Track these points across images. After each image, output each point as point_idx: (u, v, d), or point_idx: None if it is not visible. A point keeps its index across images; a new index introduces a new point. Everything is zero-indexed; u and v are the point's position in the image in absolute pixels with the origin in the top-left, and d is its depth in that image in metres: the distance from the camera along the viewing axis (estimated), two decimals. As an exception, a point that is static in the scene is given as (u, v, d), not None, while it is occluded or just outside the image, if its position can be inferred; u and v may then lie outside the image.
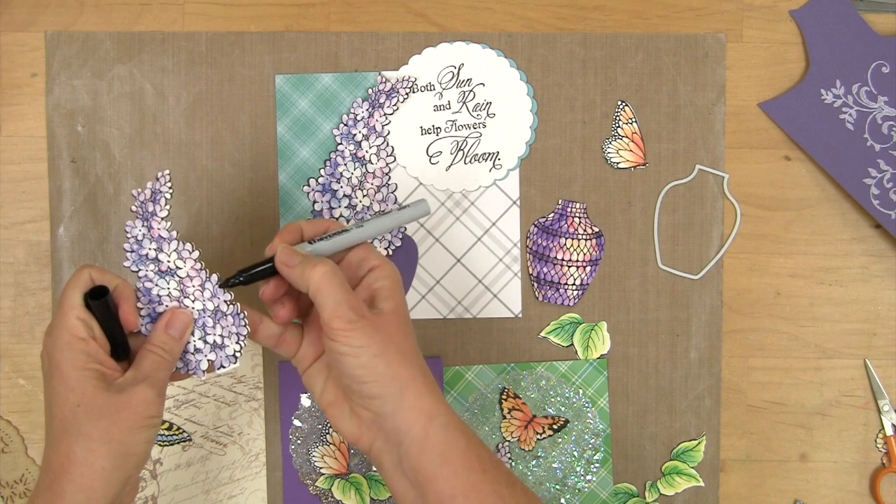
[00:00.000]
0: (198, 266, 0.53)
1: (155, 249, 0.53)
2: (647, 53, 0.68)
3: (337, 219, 0.67)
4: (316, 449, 0.68)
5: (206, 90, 0.67)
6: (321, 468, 0.68)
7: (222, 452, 0.68)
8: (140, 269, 0.53)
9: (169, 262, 0.53)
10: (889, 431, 0.69)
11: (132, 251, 0.53)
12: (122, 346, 0.51)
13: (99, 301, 0.49)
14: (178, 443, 0.67)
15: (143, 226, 0.53)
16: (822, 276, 0.70)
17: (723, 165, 0.69)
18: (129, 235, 0.53)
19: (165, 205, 0.53)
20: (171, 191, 0.54)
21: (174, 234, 0.53)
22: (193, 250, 0.53)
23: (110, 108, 0.67)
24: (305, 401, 0.68)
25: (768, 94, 0.69)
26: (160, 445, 0.67)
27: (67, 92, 0.67)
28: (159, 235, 0.53)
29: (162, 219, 0.53)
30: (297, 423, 0.68)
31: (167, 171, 0.54)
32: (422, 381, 0.48)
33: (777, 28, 0.69)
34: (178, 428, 0.67)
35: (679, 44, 0.68)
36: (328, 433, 0.68)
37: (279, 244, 0.51)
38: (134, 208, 0.53)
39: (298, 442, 0.68)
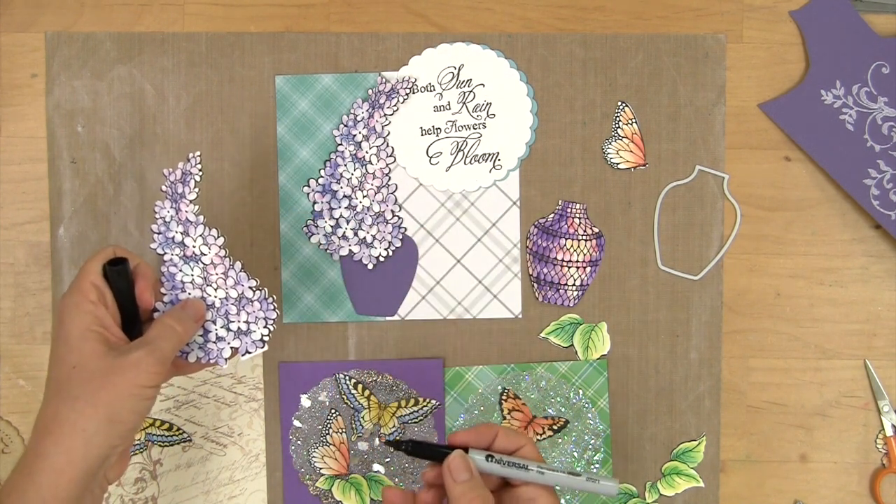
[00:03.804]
0: (222, 253, 0.53)
1: (181, 233, 0.53)
2: (647, 54, 0.68)
3: (337, 220, 0.67)
4: (316, 449, 0.68)
5: (206, 91, 0.67)
6: (321, 469, 0.68)
7: (222, 453, 0.68)
8: (166, 253, 0.53)
9: (194, 246, 0.53)
10: (889, 432, 0.69)
11: (159, 233, 0.53)
12: (135, 324, 0.51)
13: (116, 268, 0.49)
14: (179, 443, 0.67)
15: (171, 207, 0.53)
16: (822, 276, 0.70)
17: (723, 166, 0.69)
18: (157, 216, 0.53)
19: (195, 187, 0.53)
20: (200, 173, 0.54)
21: (201, 217, 0.53)
22: (219, 236, 0.53)
23: (110, 108, 0.67)
24: (305, 401, 0.68)
25: (768, 95, 0.69)
26: (160, 446, 0.67)
27: (67, 92, 0.67)
28: (186, 218, 0.53)
29: (191, 201, 0.53)
30: (297, 423, 0.68)
31: (198, 153, 0.54)
32: None
33: (777, 28, 0.69)
34: (179, 429, 0.67)
35: (679, 44, 0.68)
36: (328, 434, 0.68)
37: (459, 450, 0.49)
38: (164, 188, 0.53)
39: (298, 442, 0.68)
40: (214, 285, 0.53)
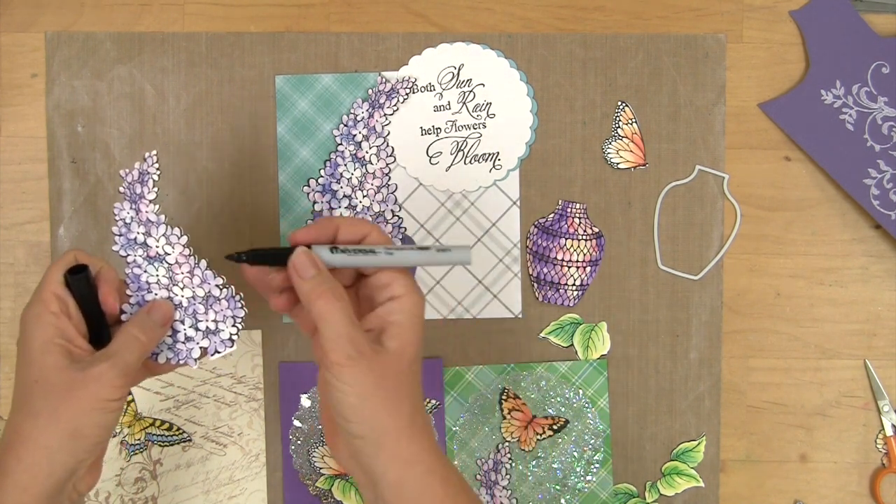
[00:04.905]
0: (186, 252, 0.52)
1: (143, 234, 0.52)
2: (647, 54, 0.68)
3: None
4: (316, 449, 0.68)
5: (206, 90, 0.67)
6: (321, 468, 0.68)
7: (222, 453, 0.68)
8: (129, 255, 0.52)
9: (157, 247, 0.52)
10: (889, 432, 0.69)
11: (120, 234, 0.52)
12: (102, 330, 0.50)
13: (76, 276, 0.48)
14: (178, 443, 0.67)
15: (131, 208, 0.52)
16: (822, 276, 0.70)
17: (723, 166, 0.69)
18: (116, 218, 0.52)
19: (153, 186, 0.52)
20: (158, 172, 0.52)
21: (162, 217, 0.52)
22: (182, 235, 0.52)
23: (110, 108, 0.67)
24: (305, 401, 0.68)
25: (768, 95, 0.69)
26: (160, 446, 0.67)
27: (67, 92, 0.67)
28: (147, 219, 0.52)
29: (150, 201, 0.52)
30: (297, 423, 0.68)
31: (154, 152, 0.53)
32: (407, 427, 0.46)
33: (777, 28, 0.69)
34: (178, 428, 0.67)
35: (679, 44, 0.68)
36: (328, 433, 0.68)
37: (302, 246, 0.48)
38: (122, 189, 0.52)
39: (298, 442, 0.68)
40: (181, 284, 0.52)
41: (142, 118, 0.67)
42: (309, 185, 0.68)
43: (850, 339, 0.70)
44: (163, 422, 0.67)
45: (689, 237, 0.69)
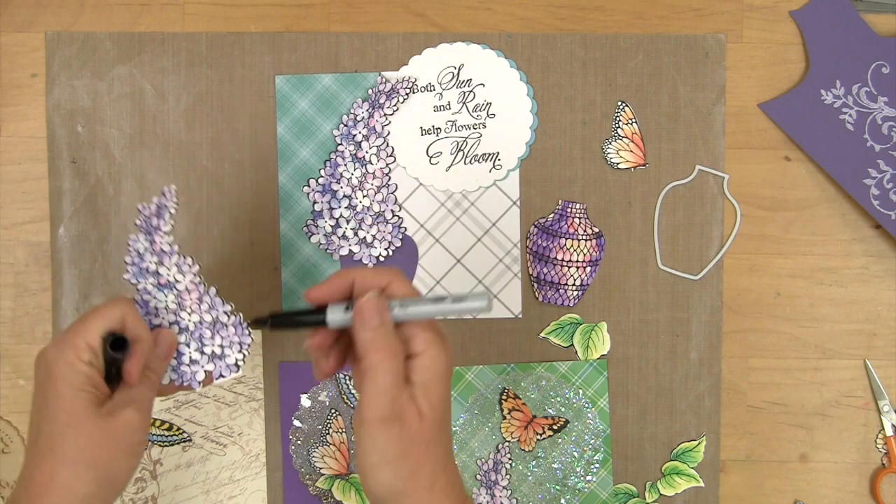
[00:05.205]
0: (196, 280, 0.53)
1: (156, 263, 0.53)
2: (647, 54, 0.68)
3: (337, 220, 0.67)
4: (316, 449, 0.68)
5: (206, 90, 0.67)
6: (321, 468, 0.68)
7: (222, 453, 0.68)
8: (139, 282, 0.53)
9: (168, 275, 0.53)
10: (889, 432, 0.69)
11: (133, 264, 0.53)
12: (116, 375, 0.50)
13: (116, 354, 0.48)
14: (178, 443, 0.67)
15: (145, 239, 0.53)
16: (822, 276, 0.70)
17: (723, 166, 0.69)
18: (130, 248, 0.53)
19: (169, 219, 0.53)
20: (176, 205, 0.53)
21: (175, 247, 0.53)
22: (194, 264, 0.53)
23: (110, 108, 0.67)
24: (305, 401, 0.68)
25: (768, 95, 0.69)
26: (160, 446, 0.67)
27: (67, 92, 0.67)
28: (161, 249, 0.53)
29: (165, 233, 0.53)
30: (297, 423, 0.68)
31: (174, 187, 0.53)
32: (426, 490, 0.45)
33: (777, 28, 0.69)
34: (178, 428, 0.67)
35: (679, 44, 0.68)
36: (328, 434, 0.68)
37: (373, 291, 0.46)
38: (138, 222, 0.53)
39: (298, 442, 0.68)
40: (188, 310, 0.53)
41: (142, 118, 0.67)
42: (309, 185, 0.68)
43: (850, 339, 0.70)
44: (163, 422, 0.67)
45: (689, 237, 0.69)
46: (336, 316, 0.46)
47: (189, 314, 0.53)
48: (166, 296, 0.53)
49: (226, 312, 0.53)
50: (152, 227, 0.53)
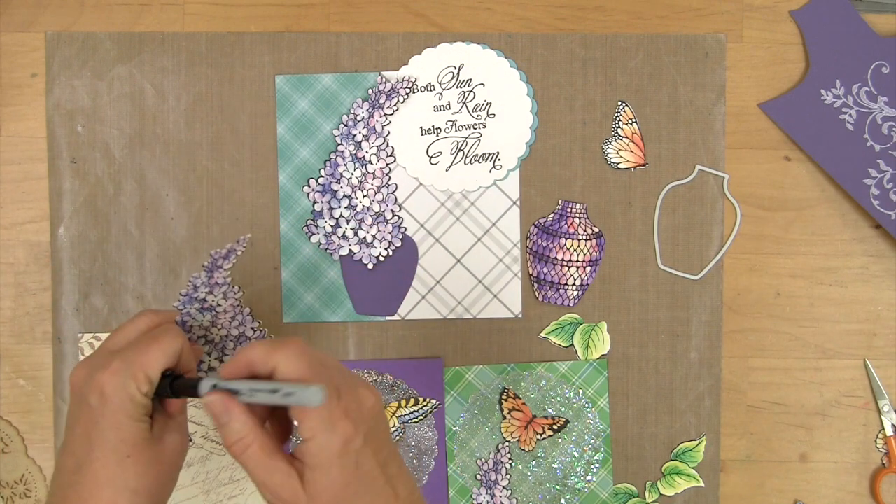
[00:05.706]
0: (236, 304, 0.56)
1: (206, 292, 0.58)
2: (647, 54, 0.68)
3: (337, 220, 0.67)
4: (316, 449, 0.68)
5: (206, 90, 0.67)
6: (321, 468, 0.68)
7: (222, 453, 0.68)
8: (185, 308, 0.56)
9: (214, 301, 0.57)
10: (889, 432, 0.69)
11: (185, 295, 0.58)
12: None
13: (170, 390, 0.50)
14: (178, 443, 0.68)
15: (206, 275, 0.56)
16: (822, 276, 0.70)
17: (723, 166, 0.69)
18: (189, 283, 0.58)
19: (233, 259, 0.57)
20: (243, 250, 0.57)
21: (229, 279, 0.56)
22: (239, 291, 0.57)
23: (110, 108, 0.67)
24: (305, 401, 0.68)
25: (768, 95, 0.69)
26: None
27: (67, 92, 0.67)
28: (216, 282, 0.58)
29: (226, 270, 0.58)
30: (296, 423, 0.68)
31: (248, 236, 0.57)
32: None
33: (777, 28, 0.69)
34: (178, 428, 0.67)
35: (679, 44, 0.68)
36: (328, 433, 0.68)
37: (217, 395, 0.46)
38: (206, 264, 0.56)
39: (298, 442, 0.68)
40: (219, 326, 0.56)
41: (142, 118, 0.67)
42: (309, 185, 0.68)
43: (850, 339, 0.70)
44: (163, 422, 0.67)
45: (689, 237, 0.69)
46: (202, 390, 0.47)
47: (219, 329, 0.56)
48: (204, 316, 0.55)
49: (252, 328, 0.57)
50: (216, 266, 0.55)
